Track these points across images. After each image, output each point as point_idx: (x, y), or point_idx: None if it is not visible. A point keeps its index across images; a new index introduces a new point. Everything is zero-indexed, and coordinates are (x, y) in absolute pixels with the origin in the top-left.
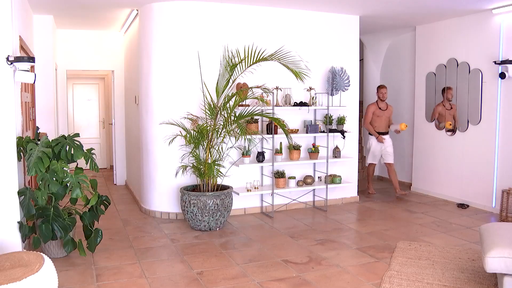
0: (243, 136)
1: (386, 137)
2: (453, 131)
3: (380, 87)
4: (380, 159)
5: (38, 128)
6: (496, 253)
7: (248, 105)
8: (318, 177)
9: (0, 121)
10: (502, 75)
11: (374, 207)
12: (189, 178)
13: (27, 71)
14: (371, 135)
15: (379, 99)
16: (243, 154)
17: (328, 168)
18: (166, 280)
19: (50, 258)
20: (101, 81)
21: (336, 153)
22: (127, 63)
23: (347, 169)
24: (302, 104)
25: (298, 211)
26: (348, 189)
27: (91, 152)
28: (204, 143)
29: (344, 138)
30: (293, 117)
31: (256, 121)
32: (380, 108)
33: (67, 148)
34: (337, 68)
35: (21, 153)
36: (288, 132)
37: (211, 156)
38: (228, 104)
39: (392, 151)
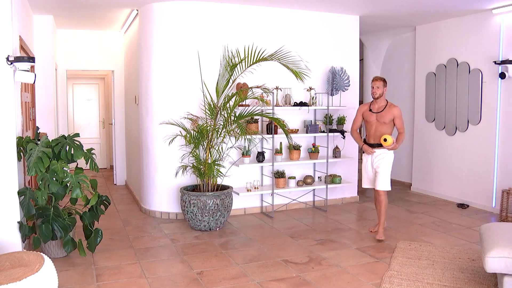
0: (243, 136)
1: (381, 151)
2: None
3: (372, 80)
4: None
5: (38, 128)
6: (496, 253)
7: (248, 105)
8: (318, 177)
9: (0, 121)
10: (502, 75)
11: (374, 207)
12: (189, 178)
13: (27, 71)
14: None
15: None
16: (243, 154)
17: (328, 168)
18: (166, 280)
19: (50, 258)
20: (101, 81)
21: (336, 153)
22: (127, 63)
23: (347, 169)
24: (302, 104)
25: (298, 211)
26: (348, 189)
27: (91, 152)
28: (204, 143)
29: (344, 138)
30: (293, 117)
31: (256, 121)
32: (370, 110)
33: (67, 148)
34: (337, 68)
35: (21, 153)
36: (288, 132)
37: (211, 156)
38: (228, 104)
39: (384, 171)
